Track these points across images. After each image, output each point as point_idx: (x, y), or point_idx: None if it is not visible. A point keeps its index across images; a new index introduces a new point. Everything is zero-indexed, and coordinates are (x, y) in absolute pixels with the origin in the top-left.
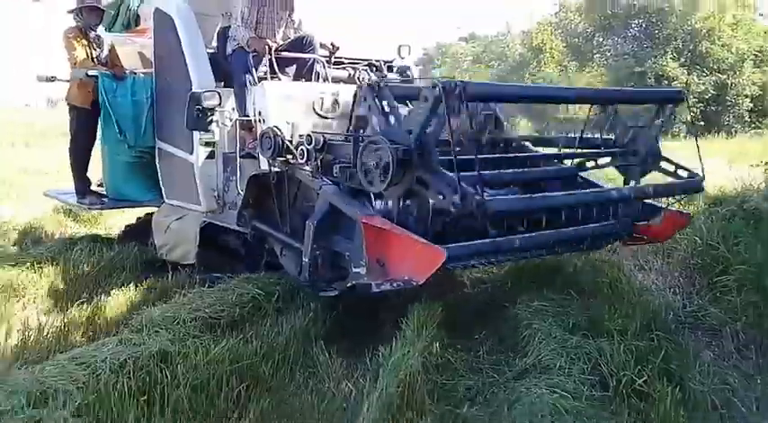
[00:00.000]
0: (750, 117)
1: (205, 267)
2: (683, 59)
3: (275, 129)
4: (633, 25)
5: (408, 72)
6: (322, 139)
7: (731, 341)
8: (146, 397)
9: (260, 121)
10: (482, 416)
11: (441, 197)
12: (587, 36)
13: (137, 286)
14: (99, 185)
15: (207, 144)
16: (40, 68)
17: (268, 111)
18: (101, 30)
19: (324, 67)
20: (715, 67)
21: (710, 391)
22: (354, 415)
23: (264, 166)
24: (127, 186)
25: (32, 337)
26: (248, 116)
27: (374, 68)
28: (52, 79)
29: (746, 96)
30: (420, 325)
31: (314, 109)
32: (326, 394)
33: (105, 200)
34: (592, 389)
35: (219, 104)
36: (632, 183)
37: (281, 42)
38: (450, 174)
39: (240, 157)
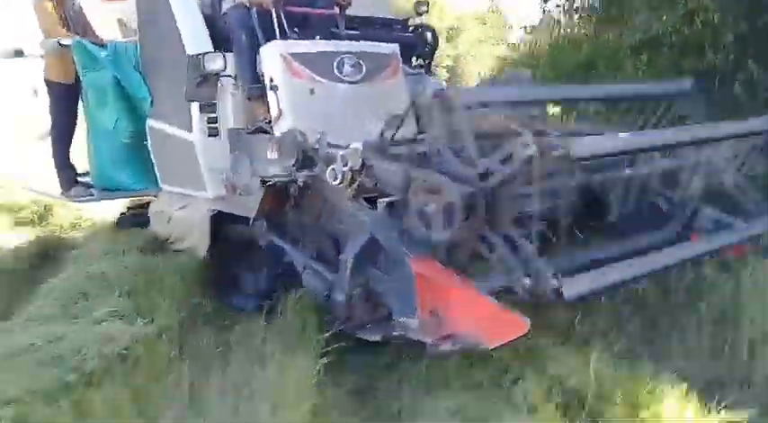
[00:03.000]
0: None
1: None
2: None
3: (298, 133)
4: None
5: (427, 34)
6: (360, 162)
7: None
8: None
9: (272, 88)
10: None
11: (507, 271)
12: None
13: None
14: (84, 174)
15: (209, 121)
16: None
17: (281, 75)
18: None
19: (340, 25)
20: None
21: None
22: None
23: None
24: (117, 173)
25: None
26: (257, 84)
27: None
28: (20, 54)
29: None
30: None
31: (335, 72)
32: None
33: (94, 191)
34: None
35: (224, 68)
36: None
37: None
38: (527, 246)
39: (248, 133)
